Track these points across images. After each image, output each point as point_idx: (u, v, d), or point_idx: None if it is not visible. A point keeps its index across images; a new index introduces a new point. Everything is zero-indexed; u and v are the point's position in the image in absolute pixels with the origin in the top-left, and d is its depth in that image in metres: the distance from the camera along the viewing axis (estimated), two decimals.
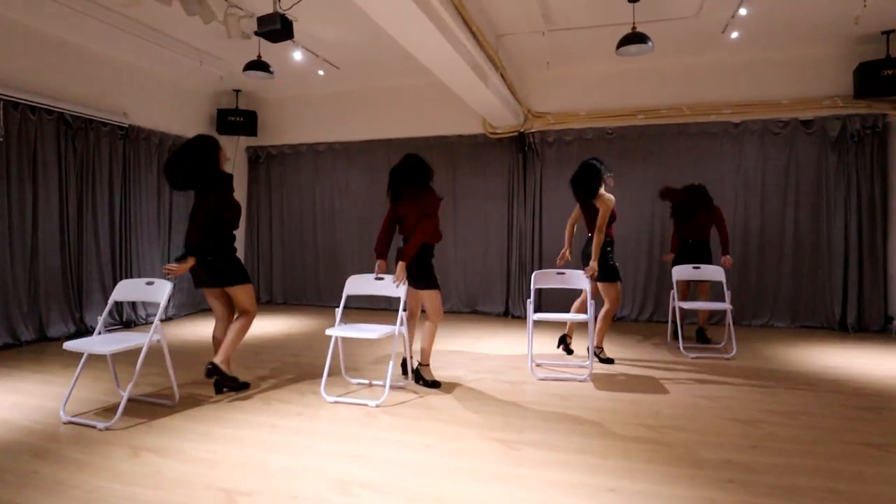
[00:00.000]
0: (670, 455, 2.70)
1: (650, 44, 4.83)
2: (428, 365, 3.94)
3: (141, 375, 3.30)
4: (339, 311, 3.85)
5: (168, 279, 3.60)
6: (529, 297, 4.23)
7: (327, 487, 2.37)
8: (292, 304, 8.18)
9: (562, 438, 2.94)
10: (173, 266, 3.51)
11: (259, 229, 8.39)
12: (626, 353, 4.97)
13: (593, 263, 4.37)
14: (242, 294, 3.76)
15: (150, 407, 3.42)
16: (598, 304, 4.37)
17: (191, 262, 3.58)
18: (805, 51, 6.14)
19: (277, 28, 4.07)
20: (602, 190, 4.49)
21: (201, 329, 6.15)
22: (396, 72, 6.97)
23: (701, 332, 5.48)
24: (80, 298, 5.87)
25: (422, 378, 3.91)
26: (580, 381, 4.06)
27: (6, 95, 5.09)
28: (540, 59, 6.47)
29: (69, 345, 3.18)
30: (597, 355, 4.58)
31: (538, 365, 4.50)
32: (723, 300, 4.88)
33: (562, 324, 5.01)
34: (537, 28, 5.50)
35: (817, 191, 6.26)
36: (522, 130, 7.08)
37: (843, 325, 6.07)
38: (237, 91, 7.80)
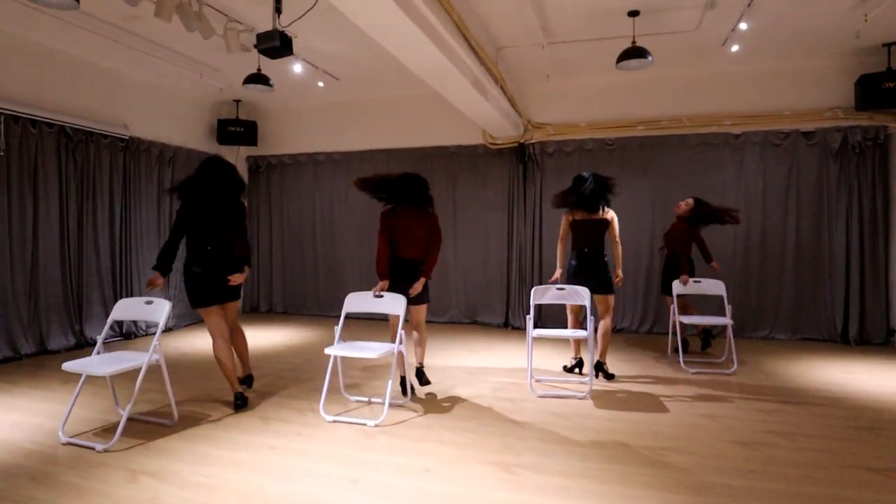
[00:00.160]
0: (670, 480, 2.69)
1: (650, 58, 4.85)
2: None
3: (140, 392, 3.30)
4: (337, 330, 3.83)
5: (231, 286, 3.78)
6: (529, 314, 4.22)
7: None
8: (292, 314, 8.18)
9: (561, 462, 2.93)
10: (238, 277, 3.77)
11: (259, 239, 8.39)
12: (627, 369, 4.95)
13: (619, 272, 4.71)
14: (236, 307, 4.02)
15: (148, 427, 3.41)
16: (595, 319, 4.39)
17: (247, 271, 3.91)
18: (806, 63, 6.14)
19: (277, 45, 4.07)
20: None
21: (200, 341, 6.14)
22: (396, 83, 6.96)
23: (707, 333, 5.54)
24: (80, 311, 5.87)
25: (424, 377, 4.09)
26: (580, 398, 4.05)
27: (7, 109, 5.11)
28: (540, 71, 6.46)
29: (68, 365, 3.18)
30: (602, 370, 4.57)
31: (538, 381, 4.49)
32: (723, 314, 4.87)
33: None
34: (537, 41, 5.49)
35: (818, 202, 6.25)
36: (522, 141, 7.08)
37: (844, 337, 6.05)
38: (237, 101, 7.81)
